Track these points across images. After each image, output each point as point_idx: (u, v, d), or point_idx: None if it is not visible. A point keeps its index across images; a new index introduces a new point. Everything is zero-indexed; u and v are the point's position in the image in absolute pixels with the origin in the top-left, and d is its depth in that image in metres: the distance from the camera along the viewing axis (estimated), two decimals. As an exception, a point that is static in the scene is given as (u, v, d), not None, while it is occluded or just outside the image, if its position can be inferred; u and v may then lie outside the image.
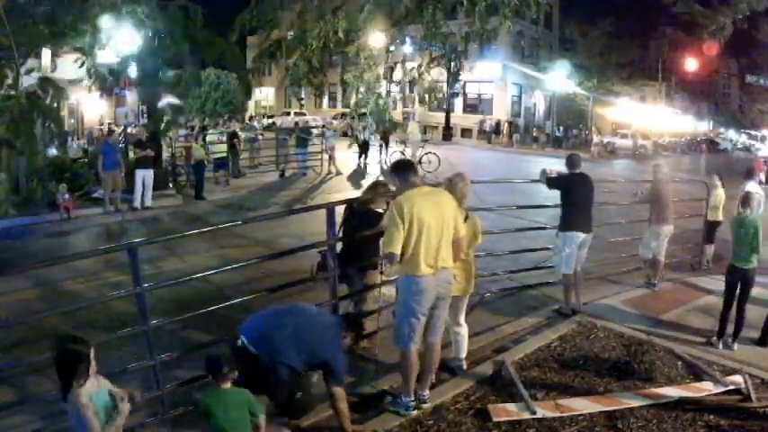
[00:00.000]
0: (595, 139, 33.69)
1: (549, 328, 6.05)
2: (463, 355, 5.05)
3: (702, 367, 5.12)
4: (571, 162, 6.74)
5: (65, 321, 5.82)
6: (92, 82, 14.21)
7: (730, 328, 5.89)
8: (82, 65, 13.72)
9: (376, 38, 26.21)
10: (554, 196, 6.84)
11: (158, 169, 13.81)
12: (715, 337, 5.88)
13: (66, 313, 5.99)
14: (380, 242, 5.56)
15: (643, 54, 43.04)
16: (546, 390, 4.71)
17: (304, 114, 39.39)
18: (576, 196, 6.52)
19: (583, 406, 4.43)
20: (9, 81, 11.47)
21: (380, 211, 5.47)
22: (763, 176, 17.24)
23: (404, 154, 19.28)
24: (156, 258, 8.24)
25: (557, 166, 7.92)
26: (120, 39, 13.08)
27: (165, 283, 5.24)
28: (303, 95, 47.44)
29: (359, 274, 5.40)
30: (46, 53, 14.62)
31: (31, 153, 11.20)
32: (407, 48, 35.31)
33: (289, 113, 40.61)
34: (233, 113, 35.00)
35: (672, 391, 4.68)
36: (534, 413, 4.28)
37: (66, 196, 11.37)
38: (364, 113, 25.36)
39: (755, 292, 6.17)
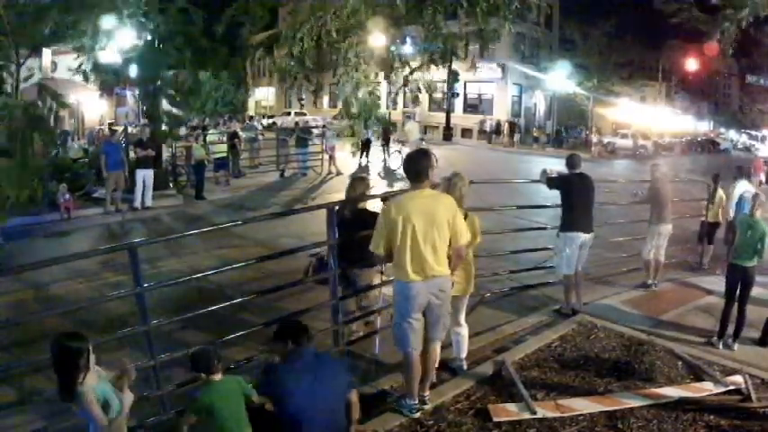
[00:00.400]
0: (595, 139, 33.69)
1: (550, 329, 6.05)
2: (464, 355, 5.05)
3: (703, 367, 5.12)
4: (571, 162, 6.74)
5: (65, 321, 5.82)
6: (92, 81, 14.21)
7: (731, 329, 5.89)
8: (79, 66, 13.73)
9: (371, 36, 26.21)
10: (554, 196, 6.83)
11: (159, 169, 13.82)
12: (715, 338, 5.88)
13: (66, 313, 6.00)
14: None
15: (643, 54, 42.98)
16: (546, 390, 4.71)
17: (304, 114, 39.39)
18: (576, 197, 6.51)
19: (583, 406, 4.43)
20: (8, 89, 11.49)
21: (376, 211, 5.47)
22: (763, 176, 17.26)
23: (401, 153, 19.49)
24: (156, 258, 8.24)
25: (557, 166, 7.92)
26: (121, 39, 13.08)
27: (165, 283, 5.24)
28: (303, 95, 47.56)
29: (359, 274, 5.39)
30: (46, 53, 14.63)
31: (26, 162, 11.18)
32: (408, 48, 35.37)
33: (289, 113, 40.60)
34: (233, 113, 35.05)
35: (672, 392, 4.68)
36: (534, 413, 4.28)
37: (67, 196, 11.37)
38: (359, 114, 25.40)
39: (755, 292, 6.18)
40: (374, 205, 5.61)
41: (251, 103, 49.01)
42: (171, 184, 14.97)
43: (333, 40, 22.35)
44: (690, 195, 10.22)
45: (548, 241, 8.11)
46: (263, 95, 52.96)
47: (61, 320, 5.81)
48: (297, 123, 31.41)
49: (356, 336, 5.58)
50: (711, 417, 4.35)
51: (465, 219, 4.56)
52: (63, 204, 11.30)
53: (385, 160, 20.50)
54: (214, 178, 15.83)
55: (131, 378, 3.17)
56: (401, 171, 17.31)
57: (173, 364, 4.60)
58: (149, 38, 13.36)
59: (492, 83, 37.46)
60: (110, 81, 14.77)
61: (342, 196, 5.66)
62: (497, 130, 34.90)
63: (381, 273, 5.60)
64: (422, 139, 20.35)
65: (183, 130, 18.89)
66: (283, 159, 18.39)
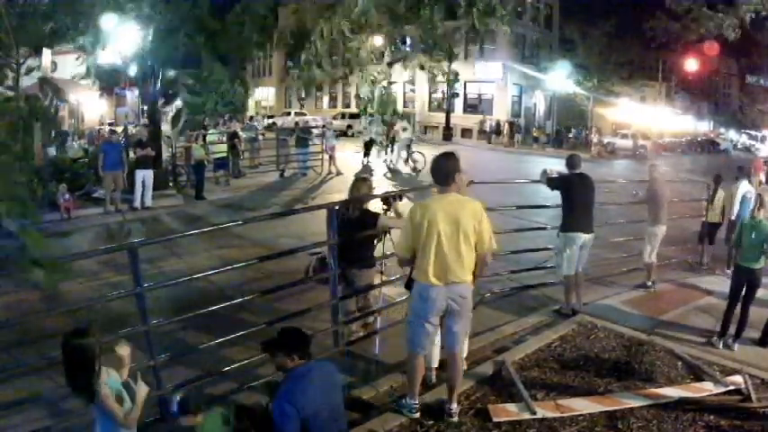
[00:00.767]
0: (595, 139, 33.69)
1: (550, 329, 6.05)
2: (464, 355, 5.04)
3: (703, 367, 5.12)
4: (571, 162, 6.74)
5: (65, 321, 5.82)
6: (93, 81, 14.20)
7: (732, 329, 5.90)
8: (81, 63, 13.70)
9: (377, 36, 26.24)
10: (554, 196, 6.84)
11: (158, 169, 13.82)
12: (716, 337, 5.88)
13: (66, 313, 6.00)
14: (375, 241, 5.60)
15: (643, 54, 42.98)
16: (546, 390, 4.71)
17: (304, 114, 39.41)
18: (576, 197, 6.52)
19: (583, 406, 4.43)
20: (9, 82, 11.47)
21: (377, 211, 5.47)
22: (763, 176, 17.25)
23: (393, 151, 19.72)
24: (156, 258, 8.24)
25: (557, 166, 7.92)
26: (124, 37, 13.03)
27: (165, 283, 5.24)
28: (303, 95, 47.61)
29: (358, 274, 5.38)
30: (46, 53, 14.63)
31: (28, 157, 11.17)
32: (408, 48, 35.44)
33: (289, 113, 40.62)
34: (233, 113, 35.05)
35: (672, 392, 4.68)
36: (534, 413, 4.28)
37: (67, 196, 11.37)
38: (378, 110, 25.42)
39: (757, 293, 6.18)
40: (375, 206, 5.62)
41: (251, 103, 48.99)
42: (171, 184, 14.98)
43: (346, 40, 22.39)
44: (690, 196, 10.22)
45: (548, 241, 8.10)
46: (264, 95, 52.97)
47: (61, 320, 5.82)
48: (297, 123, 31.42)
49: (356, 336, 5.58)
50: (711, 417, 4.36)
51: None
52: (63, 204, 11.30)
53: (389, 160, 20.47)
54: (214, 178, 15.83)
55: (125, 363, 3.13)
56: (404, 171, 17.37)
57: (173, 364, 4.61)
58: (159, 27, 13.20)
59: (492, 83, 37.47)
60: (110, 81, 14.75)
61: (342, 196, 5.66)
62: (497, 130, 34.90)
63: (381, 273, 5.61)
64: (411, 139, 20.33)
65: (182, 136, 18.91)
66: (283, 159, 18.39)
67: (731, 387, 4.77)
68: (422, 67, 33.91)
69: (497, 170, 20.67)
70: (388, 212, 5.48)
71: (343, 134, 30.28)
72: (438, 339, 4.48)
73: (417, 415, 4.19)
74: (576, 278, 6.64)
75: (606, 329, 6.02)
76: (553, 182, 6.69)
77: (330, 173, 18.00)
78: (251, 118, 34.64)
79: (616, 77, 39.34)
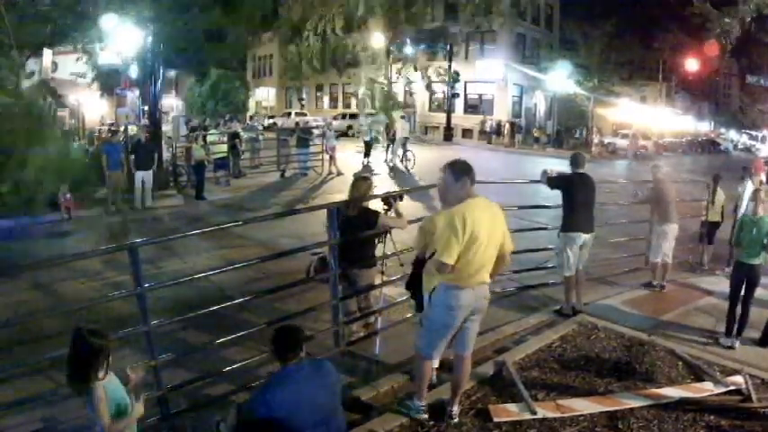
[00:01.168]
0: (596, 139, 33.67)
1: (550, 329, 6.05)
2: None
3: (703, 368, 5.11)
4: (575, 161, 6.75)
5: (65, 321, 5.82)
6: (93, 79, 14.20)
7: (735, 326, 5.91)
8: (78, 61, 13.68)
9: (375, 35, 26.25)
10: (554, 196, 6.84)
11: (159, 170, 13.82)
12: (723, 337, 5.88)
13: (67, 313, 6.00)
14: (376, 241, 5.60)
15: (643, 54, 42.96)
16: (547, 390, 4.71)
17: (305, 114, 39.41)
18: (576, 196, 6.52)
19: (583, 406, 4.43)
20: (11, 86, 11.48)
21: (378, 210, 5.47)
22: (763, 176, 17.22)
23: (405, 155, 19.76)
24: (156, 258, 8.24)
25: (557, 166, 7.92)
26: (124, 38, 13.02)
27: (165, 283, 5.24)
28: (304, 95, 47.67)
29: (359, 274, 5.38)
30: (46, 53, 14.64)
31: (28, 158, 11.17)
32: (408, 48, 35.46)
33: (290, 114, 40.60)
34: (234, 113, 35.05)
35: (672, 392, 4.67)
36: (535, 413, 4.28)
37: (68, 196, 11.37)
38: (372, 113, 25.38)
39: (757, 292, 6.18)
40: (376, 205, 5.62)
41: (251, 103, 48.99)
42: (171, 185, 14.98)
43: (338, 39, 22.39)
44: (690, 196, 10.21)
45: (548, 241, 8.09)
46: (264, 95, 52.97)
47: (61, 320, 5.82)
48: (297, 124, 31.43)
49: (357, 336, 5.58)
50: (712, 417, 4.35)
51: None
52: (64, 204, 11.30)
53: (390, 160, 20.49)
54: (214, 178, 15.84)
55: (137, 379, 3.14)
56: (406, 171, 17.35)
57: (173, 364, 4.61)
58: (149, 31, 13.17)
59: (492, 83, 37.46)
60: (110, 81, 14.77)
61: (343, 196, 5.66)
62: (498, 130, 34.88)
63: (382, 273, 5.61)
64: (407, 138, 20.38)
65: (183, 130, 18.91)
66: (284, 160, 18.40)
67: (732, 387, 4.76)
68: (415, 69, 33.90)
69: (498, 170, 20.65)
70: (389, 212, 5.48)
71: (343, 134, 30.25)
72: None
73: (425, 416, 4.16)
74: (576, 277, 6.64)
75: (607, 329, 6.02)
76: (553, 181, 6.69)
77: (330, 173, 18.00)
78: (251, 118, 34.69)
79: (616, 77, 39.29)
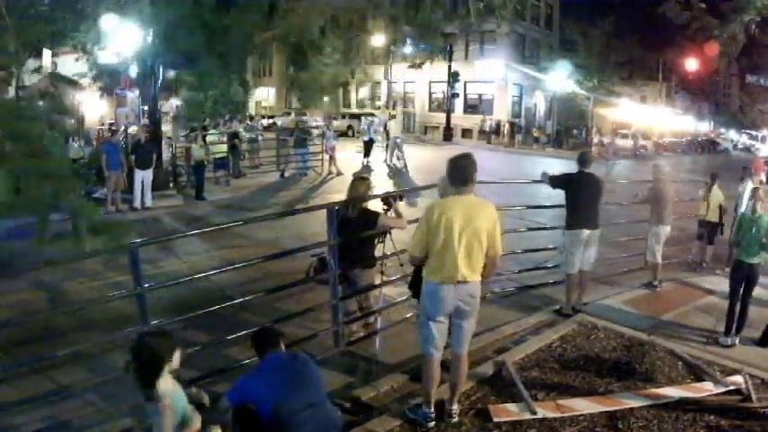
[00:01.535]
0: (596, 139, 33.67)
1: (550, 329, 6.05)
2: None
3: (703, 367, 5.12)
4: (581, 160, 6.79)
5: (65, 321, 5.83)
6: (92, 78, 14.20)
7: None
8: (78, 61, 13.68)
9: (375, 35, 26.27)
10: (555, 196, 6.86)
11: (158, 170, 13.82)
12: (723, 336, 5.89)
13: (67, 313, 6.01)
14: (376, 241, 5.60)
15: (643, 54, 42.98)
16: (546, 390, 4.71)
17: (304, 114, 39.40)
18: (579, 194, 6.56)
19: (583, 406, 4.43)
20: (17, 82, 11.46)
21: (377, 211, 5.47)
22: (763, 176, 17.24)
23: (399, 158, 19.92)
24: (156, 259, 8.25)
25: (557, 166, 7.93)
26: (123, 38, 13.03)
27: (165, 283, 5.24)
28: (303, 96, 47.61)
29: (359, 274, 5.39)
30: (46, 53, 14.64)
31: (59, 152, 11.11)
32: (407, 48, 35.47)
33: (289, 113, 40.60)
34: (233, 113, 35.03)
35: (672, 392, 4.68)
36: (535, 413, 4.28)
37: None
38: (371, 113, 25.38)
39: (756, 291, 6.19)
40: (375, 205, 5.62)
41: (251, 103, 48.95)
42: (171, 185, 14.98)
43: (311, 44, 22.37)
44: (690, 195, 10.23)
45: (548, 241, 8.11)
46: (264, 95, 52.94)
47: (62, 320, 5.83)
48: (297, 124, 31.44)
49: (356, 336, 5.58)
50: (712, 417, 4.35)
51: None
52: None
53: (388, 160, 20.51)
54: (214, 178, 15.84)
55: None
56: (406, 170, 17.41)
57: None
58: (158, 26, 13.17)
59: (492, 83, 37.47)
60: (110, 81, 14.77)
61: (342, 197, 5.66)
62: (497, 130, 34.90)
63: (382, 273, 5.61)
64: (398, 138, 20.45)
65: (182, 130, 18.92)
66: (283, 160, 18.40)
67: (731, 387, 4.77)
68: (415, 65, 33.80)
69: (498, 170, 20.64)
70: (389, 212, 5.48)
71: (342, 134, 30.25)
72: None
73: (432, 424, 4.14)
74: (580, 276, 6.66)
75: (606, 329, 6.02)
76: (555, 181, 6.72)
77: (330, 173, 18.00)
78: (252, 118, 34.66)
79: (616, 77, 39.33)
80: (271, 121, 37.57)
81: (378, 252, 5.59)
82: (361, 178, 5.69)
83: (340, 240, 5.08)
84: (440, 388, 4.54)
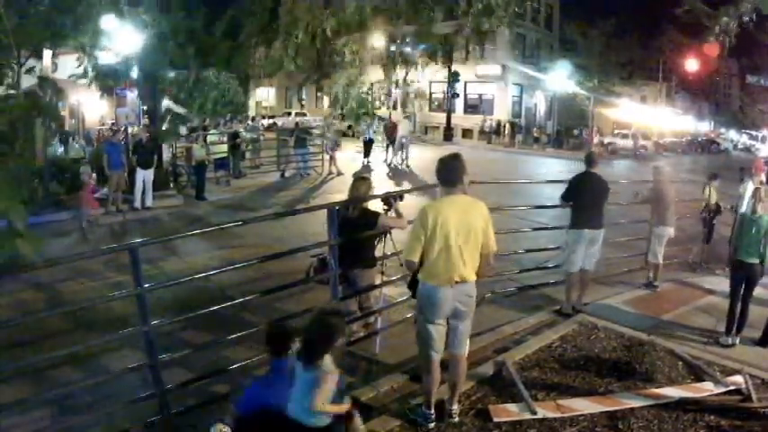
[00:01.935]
0: (596, 139, 33.66)
1: (550, 329, 6.05)
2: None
3: (703, 367, 5.11)
4: (589, 160, 6.87)
5: (65, 321, 5.83)
6: (90, 80, 14.22)
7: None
8: (80, 65, 13.73)
9: (367, 35, 26.29)
10: (556, 197, 6.90)
11: (159, 170, 13.83)
12: (724, 336, 5.88)
13: (67, 313, 6.01)
14: (375, 241, 5.60)
15: (643, 54, 42.98)
16: (547, 390, 4.71)
17: (305, 115, 39.40)
18: (582, 194, 6.60)
19: (584, 406, 4.43)
20: (9, 81, 11.45)
21: (378, 211, 5.47)
22: (764, 176, 17.26)
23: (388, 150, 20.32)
24: (156, 258, 8.25)
25: (557, 166, 7.94)
26: (122, 39, 13.08)
27: (165, 283, 5.24)
28: (304, 96, 47.66)
29: (359, 274, 5.38)
30: (46, 53, 14.64)
31: (29, 155, 11.13)
32: (407, 48, 35.46)
33: (290, 114, 40.58)
34: (233, 113, 35.02)
35: (672, 392, 4.68)
36: (535, 413, 4.28)
37: (93, 176, 11.16)
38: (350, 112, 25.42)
39: (756, 291, 6.19)
40: (376, 205, 5.62)
41: (251, 104, 48.97)
42: (171, 185, 14.99)
43: (325, 39, 22.39)
44: (690, 195, 10.23)
45: (548, 241, 8.12)
46: (264, 95, 52.95)
47: (62, 320, 5.83)
48: (297, 124, 31.48)
49: (357, 336, 5.58)
50: (712, 417, 4.35)
51: None
52: (90, 188, 11.03)
53: (389, 160, 20.52)
54: (214, 178, 15.85)
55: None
56: (407, 170, 17.49)
57: (173, 364, 4.61)
58: (151, 34, 13.32)
59: (492, 83, 37.47)
60: (110, 82, 14.78)
61: (343, 197, 5.67)
62: (497, 130, 34.90)
63: (382, 273, 5.61)
64: (404, 137, 20.47)
65: (183, 130, 18.93)
66: (284, 160, 18.41)
67: (732, 387, 4.77)
68: (410, 64, 33.69)
69: (498, 170, 20.67)
70: (389, 212, 5.48)
71: (342, 134, 30.25)
72: None
73: (432, 425, 4.14)
74: (581, 276, 6.67)
75: (607, 329, 6.02)
76: (567, 192, 6.76)
77: (330, 173, 18.01)
78: (252, 118, 34.67)
79: (616, 77, 39.34)
80: (271, 121, 37.57)
81: (378, 252, 5.59)
82: (362, 178, 5.69)
83: (340, 240, 5.07)
84: (440, 388, 4.54)
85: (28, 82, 12.21)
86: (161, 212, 12.56)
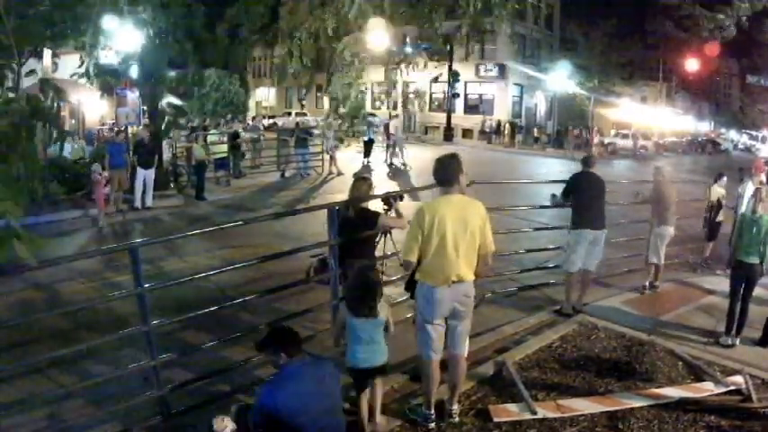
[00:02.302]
0: (596, 139, 33.67)
1: (550, 329, 6.05)
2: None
3: (703, 368, 5.11)
4: (587, 162, 6.90)
5: (65, 321, 5.83)
6: (91, 80, 14.22)
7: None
8: (81, 65, 13.73)
9: (367, 36, 26.27)
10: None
11: (159, 170, 13.82)
12: (723, 336, 5.88)
13: (67, 313, 6.01)
14: (375, 242, 5.59)
15: (643, 54, 42.99)
16: (547, 390, 4.70)
17: (305, 115, 39.39)
18: (583, 195, 6.61)
19: (584, 406, 4.43)
20: (9, 83, 11.44)
21: (378, 211, 5.47)
22: (764, 177, 17.26)
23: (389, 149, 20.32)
24: (156, 258, 8.25)
25: (557, 166, 7.95)
26: (122, 38, 13.09)
27: (165, 283, 5.24)
28: (304, 95, 47.64)
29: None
30: (46, 53, 14.64)
31: (30, 157, 11.11)
32: (408, 48, 35.43)
33: (290, 114, 40.61)
34: (234, 114, 35.04)
35: (672, 392, 4.67)
36: (535, 413, 4.28)
37: (102, 173, 11.18)
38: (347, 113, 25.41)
39: (756, 291, 6.19)
40: (376, 205, 5.62)
41: (252, 104, 48.97)
42: (172, 185, 14.98)
43: (330, 38, 22.35)
44: (690, 195, 10.24)
45: (548, 241, 8.12)
46: (264, 95, 52.96)
47: (62, 320, 5.83)
48: (297, 124, 31.49)
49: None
50: (712, 417, 4.35)
51: None
52: (99, 187, 11.06)
53: (389, 161, 20.53)
54: (214, 178, 15.84)
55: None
56: (406, 170, 17.53)
57: (173, 364, 4.61)
58: (150, 33, 13.33)
59: (492, 83, 37.45)
60: (110, 82, 14.78)
61: (343, 197, 5.66)
62: (498, 130, 34.89)
63: (382, 273, 5.60)
64: (393, 135, 20.48)
65: (183, 131, 18.90)
66: (284, 160, 18.42)
67: (732, 387, 4.76)
68: (408, 63, 33.64)
69: (498, 170, 20.68)
70: (389, 212, 5.48)
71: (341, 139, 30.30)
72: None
73: (432, 425, 4.14)
74: (582, 276, 6.68)
75: (607, 329, 6.02)
76: (564, 192, 6.76)
77: (331, 173, 18.02)
78: (253, 118, 34.66)
79: (617, 77, 39.36)
80: (271, 121, 37.58)
81: (378, 252, 5.59)
82: (363, 178, 5.69)
83: (340, 240, 5.07)
84: (440, 388, 4.54)
85: (28, 83, 12.22)
86: (161, 212, 12.56)
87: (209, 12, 14.52)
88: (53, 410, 4.31)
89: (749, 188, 9.14)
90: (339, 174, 17.79)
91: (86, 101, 20.63)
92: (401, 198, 5.70)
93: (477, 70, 37.61)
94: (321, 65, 33.40)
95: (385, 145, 21.49)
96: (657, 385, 4.82)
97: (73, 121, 21.95)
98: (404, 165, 19.66)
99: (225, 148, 17.07)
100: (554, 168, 21.63)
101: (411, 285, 4.36)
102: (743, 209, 8.83)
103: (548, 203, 7.52)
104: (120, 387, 4.50)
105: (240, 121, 29.81)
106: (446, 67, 33.80)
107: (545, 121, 41.35)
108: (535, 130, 36.19)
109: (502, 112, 37.05)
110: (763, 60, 36.59)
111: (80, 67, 13.83)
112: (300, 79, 30.51)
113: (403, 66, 34.20)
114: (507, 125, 35.08)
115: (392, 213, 5.48)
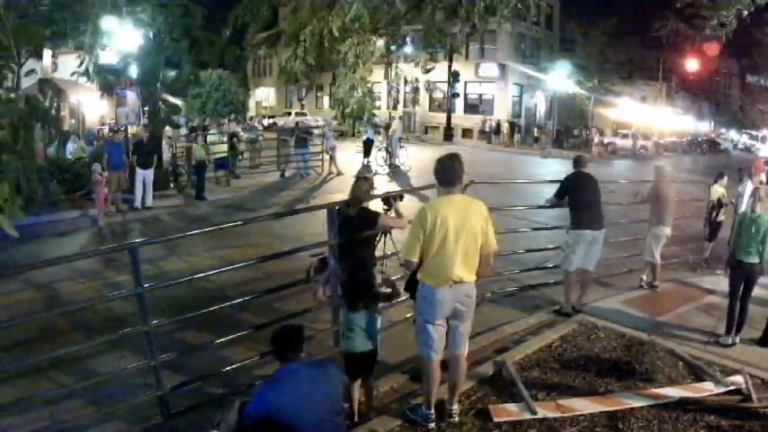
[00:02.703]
0: (596, 139, 33.68)
1: (550, 329, 6.05)
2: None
3: (703, 367, 5.11)
4: (576, 162, 6.90)
5: (65, 321, 5.84)
6: (91, 79, 14.23)
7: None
8: (81, 64, 13.73)
9: (372, 36, 26.28)
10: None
11: (159, 169, 13.83)
12: (724, 336, 5.88)
13: (67, 313, 6.01)
14: (375, 242, 5.58)
15: (643, 54, 42.97)
16: (547, 390, 4.70)
17: (305, 114, 39.38)
18: (580, 195, 6.62)
19: (584, 406, 4.42)
20: (8, 83, 11.44)
21: (378, 211, 5.46)
22: (764, 176, 17.26)
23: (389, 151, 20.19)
24: (156, 258, 8.25)
25: (556, 166, 7.95)
26: (121, 38, 13.10)
27: (165, 283, 5.24)
28: (304, 95, 47.66)
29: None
30: (46, 53, 14.63)
31: (29, 157, 11.11)
32: (408, 48, 35.42)
33: (290, 114, 40.58)
34: (234, 114, 35.04)
35: (672, 392, 4.67)
36: (535, 413, 4.27)
37: (103, 173, 11.19)
38: (351, 113, 25.42)
39: (756, 291, 6.19)
40: (376, 205, 5.61)
41: (251, 104, 48.99)
42: (171, 185, 14.98)
43: (333, 40, 22.33)
44: (690, 195, 10.24)
45: (548, 241, 8.12)
46: (264, 95, 52.96)
47: (62, 320, 5.84)
48: (297, 124, 31.49)
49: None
50: (712, 417, 4.35)
51: None
52: (100, 187, 11.07)
53: (386, 159, 20.52)
54: (214, 178, 15.85)
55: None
56: (406, 170, 17.54)
57: (173, 364, 4.61)
58: (150, 34, 13.34)
59: (492, 83, 37.45)
60: (110, 81, 14.78)
61: (343, 196, 5.65)
62: (498, 130, 34.90)
63: (382, 273, 5.59)
64: (401, 138, 20.48)
65: (183, 130, 18.92)
66: (284, 160, 18.42)
67: (732, 387, 4.76)
68: (426, 68, 33.63)
69: (498, 170, 20.69)
70: (389, 212, 5.47)
71: (342, 134, 30.27)
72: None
73: (432, 425, 4.13)
74: (582, 276, 6.69)
75: (607, 329, 6.02)
76: (558, 193, 6.75)
77: (330, 173, 18.02)
78: (251, 119, 34.66)
79: (616, 77, 39.32)
80: (271, 121, 37.57)
81: (378, 252, 5.58)
82: (363, 178, 5.68)
83: (340, 240, 5.07)
84: (440, 388, 4.54)
85: (28, 83, 12.21)
86: (161, 212, 12.56)
87: (210, 12, 14.51)
88: (53, 410, 4.31)
89: (749, 188, 9.15)
90: (339, 174, 17.78)
91: (86, 101, 20.64)
92: (401, 198, 5.69)
93: (477, 70, 37.60)
94: (323, 66, 33.45)
95: (385, 145, 21.50)
96: (657, 385, 4.81)
97: (73, 121, 21.96)
98: (401, 165, 19.67)
99: (225, 147, 17.09)
100: (554, 168, 21.63)
101: (411, 285, 4.36)
102: (742, 208, 8.84)
103: (545, 204, 7.53)
104: (120, 387, 4.51)
105: (239, 122, 29.79)
106: (446, 66, 33.79)
107: (545, 120, 41.34)
108: (535, 129, 36.20)
109: (502, 112, 37.06)
110: (763, 60, 36.58)
111: (80, 66, 13.83)
112: (303, 82, 30.53)
113: (403, 66, 34.24)
114: (507, 125, 35.08)
115: (392, 213, 5.47)
